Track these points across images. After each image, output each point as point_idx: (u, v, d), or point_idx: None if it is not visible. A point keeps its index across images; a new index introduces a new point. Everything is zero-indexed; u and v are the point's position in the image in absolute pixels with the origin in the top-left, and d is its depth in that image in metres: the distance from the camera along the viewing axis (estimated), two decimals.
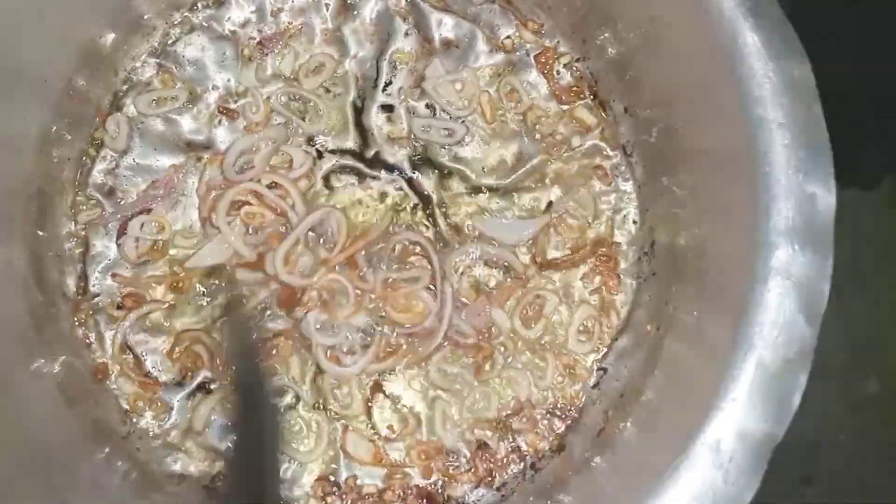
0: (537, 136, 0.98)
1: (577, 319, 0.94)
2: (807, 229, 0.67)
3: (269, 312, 0.94)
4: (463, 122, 0.97)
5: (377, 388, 0.93)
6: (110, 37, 0.94)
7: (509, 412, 0.93)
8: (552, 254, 0.96)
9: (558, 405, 0.93)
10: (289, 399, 0.93)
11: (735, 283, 0.70)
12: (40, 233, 0.92)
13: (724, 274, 0.74)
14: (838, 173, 0.69)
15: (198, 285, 0.95)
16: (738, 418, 0.66)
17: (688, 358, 0.78)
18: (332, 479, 0.92)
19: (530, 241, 0.95)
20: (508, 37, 0.99)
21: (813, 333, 0.66)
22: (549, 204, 0.96)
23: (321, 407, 0.93)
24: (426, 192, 0.96)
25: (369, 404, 0.93)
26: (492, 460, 0.92)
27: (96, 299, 0.95)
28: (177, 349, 0.94)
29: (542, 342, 0.94)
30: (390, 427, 0.93)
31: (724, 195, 0.75)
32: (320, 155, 0.97)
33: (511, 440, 0.92)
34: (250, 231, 0.94)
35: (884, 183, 1.43)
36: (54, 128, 0.92)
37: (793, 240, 0.67)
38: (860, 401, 1.56)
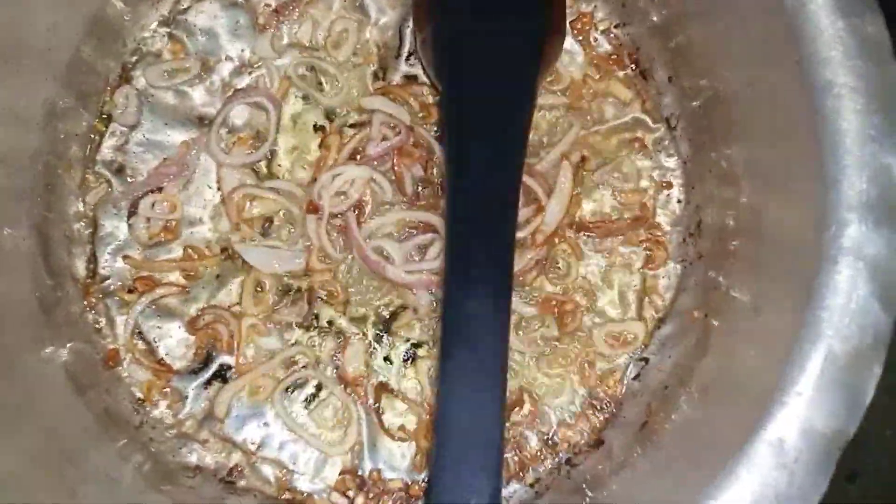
0: (573, 108, 0.91)
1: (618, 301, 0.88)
2: (882, 204, 0.60)
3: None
4: None
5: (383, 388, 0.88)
6: (119, 5, 0.89)
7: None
8: (587, 215, 0.90)
9: (595, 397, 0.87)
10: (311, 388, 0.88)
11: (799, 264, 0.63)
12: (48, 213, 0.88)
13: (785, 255, 0.67)
14: None
15: (211, 268, 0.90)
16: (804, 414, 0.60)
17: (742, 347, 0.71)
18: (358, 472, 0.87)
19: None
20: None
21: (889, 320, 0.60)
22: (583, 159, 0.89)
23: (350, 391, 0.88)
24: None
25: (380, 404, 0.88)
26: (525, 453, 0.86)
27: (107, 282, 0.90)
28: (200, 321, 0.89)
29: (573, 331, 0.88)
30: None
31: (784, 169, 0.68)
32: None
33: (544, 433, 0.87)
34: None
35: None
36: (61, 101, 0.87)
37: (866, 215, 0.60)
38: None
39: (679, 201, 0.89)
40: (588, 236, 0.89)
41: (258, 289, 0.90)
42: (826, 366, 0.60)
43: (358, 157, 0.90)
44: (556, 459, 0.86)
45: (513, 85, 0.72)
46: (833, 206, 0.61)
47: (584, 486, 0.80)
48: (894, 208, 0.61)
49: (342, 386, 0.88)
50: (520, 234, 0.87)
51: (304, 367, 0.89)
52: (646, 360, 0.87)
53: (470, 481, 0.60)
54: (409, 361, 0.88)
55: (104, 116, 0.92)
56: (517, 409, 0.86)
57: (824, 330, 0.60)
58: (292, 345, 0.89)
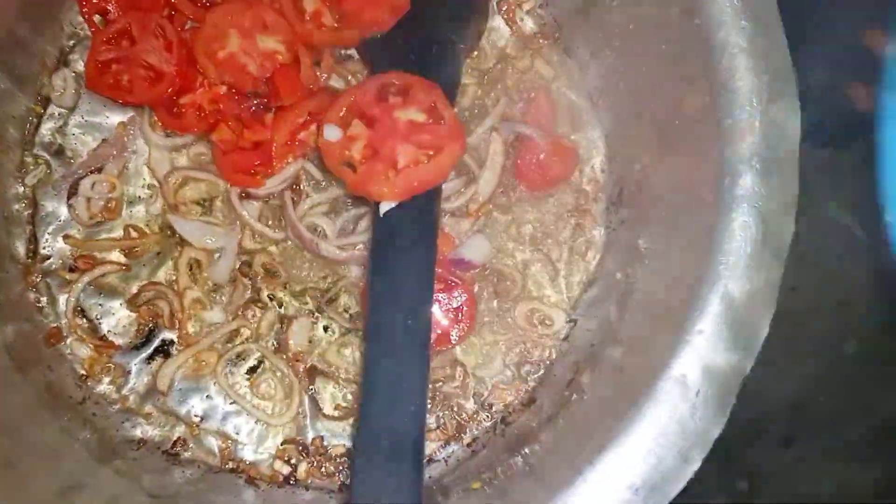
0: (499, 86, 0.95)
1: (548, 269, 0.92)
2: (771, 156, 0.65)
3: None
4: None
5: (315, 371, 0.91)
6: None
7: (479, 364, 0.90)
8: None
9: (527, 359, 0.90)
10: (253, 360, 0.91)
11: (701, 215, 0.68)
12: None
13: (691, 207, 0.72)
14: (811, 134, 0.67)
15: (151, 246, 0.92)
16: (705, 351, 0.64)
17: (657, 295, 0.76)
18: (298, 439, 0.90)
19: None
20: None
21: (778, 264, 0.64)
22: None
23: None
24: None
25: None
26: (460, 418, 0.89)
27: (47, 262, 0.91)
28: (141, 297, 0.90)
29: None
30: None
31: (691, 128, 0.73)
32: None
33: (479, 396, 0.90)
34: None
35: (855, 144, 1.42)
36: None
37: (757, 167, 0.65)
38: (839, 362, 1.55)
39: (602, 171, 0.94)
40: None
41: (194, 266, 0.91)
42: (724, 306, 0.64)
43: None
44: (492, 420, 0.90)
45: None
46: (728, 158, 0.66)
47: (517, 440, 0.84)
48: (782, 160, 0.65)
49: (284, 359, 0.90)
50: (453, 205, 0.91)
51: (245, 339, 0.91)
52: (574, 321, 0.91)
53: (392, 466, 0.64)
54: (347, 334, 0.91)
55: (42, 99, 0.93)
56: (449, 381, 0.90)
57: (722, 272, 0.65)
58: (233, 319, 0.91)
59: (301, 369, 0.90)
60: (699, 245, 0.68)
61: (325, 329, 0.91)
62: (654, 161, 0.82)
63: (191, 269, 0.91)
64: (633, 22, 0.84)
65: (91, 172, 0.92)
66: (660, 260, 0.77)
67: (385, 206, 0.72)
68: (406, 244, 0.72)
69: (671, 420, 0.63)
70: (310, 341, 0.91)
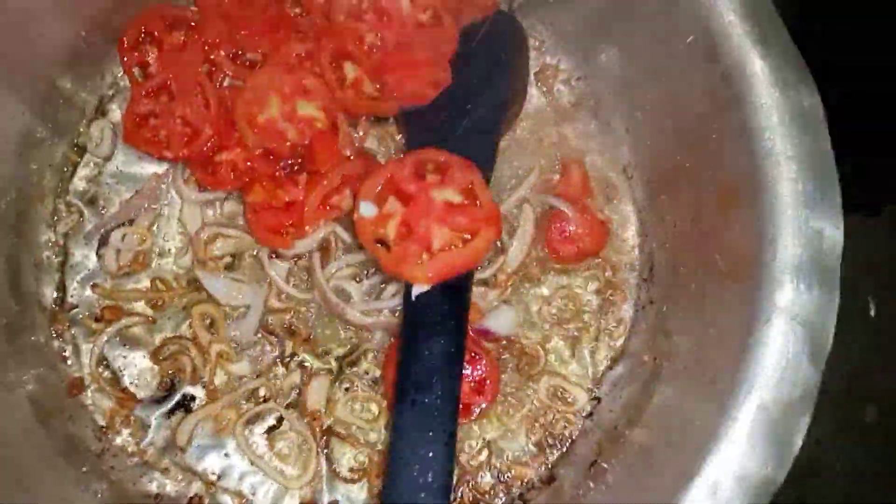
0: (532, 155, 0.95)
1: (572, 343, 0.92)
2: (813, 266, 0.65)
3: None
4: None
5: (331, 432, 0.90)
6: (98, 38, 0.91)
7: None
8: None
9: (549, 433, 0.90)
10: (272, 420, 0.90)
11: (737, 319, 0.67)
12: (18, 240, 0.89)
13: (726, 309, 0.71)
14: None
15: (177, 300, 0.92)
16: (737, 461, 0.63)
17: (686, 394, 0.75)
18: (315, 502, 0.89)
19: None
20: None
21: (817, 375, 0.64)
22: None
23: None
24: None
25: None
26: (477, 491, 0.89)
27: (74, 311, 0.92)
28: (164, 350, 0.90)
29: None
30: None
31: (728, 225, 0.73)
32: None
33: (497, 469, 0.89)
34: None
35: (885, 211, 1.41)
36: (36, 132, 0.89)
37: (798, 277, 0.64)
38: (858, 428, 1.53)
39: (633, 246, 0.93)
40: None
41: (208, 320, 0.91)
42: (758, 417, 0.63)
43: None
44: (509, 496, 0.89)
45: None
46: (769, 266, 0.65)
47: None
48: (825, 270, 0.65)
49: (303, 419, 0.90)
50: (482, 275, 0.91)
51: (265, 399, 0.90)
52: (598, 399, 0.90)
53: None
54: (367, 399, 0.90)
55: (78, 148, 0.94)
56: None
57: (757, 382, 0.64)
58: (256, 377, 0.90)
59: (318, 429, 0.89)
60: (732, 345, 0.68)
61: (346, 390, 0.91)
62: (688, 246, 0.82)
63: (210, 325, 0.91)
64: (670, 103, 0.83)
65: (122, 224, 0.92)
66: (690, 352, 0.77)
67: (417, 290, 0.72)
68: (437, 328, 0.72)
69: None
70: (328, 401, 0.91)
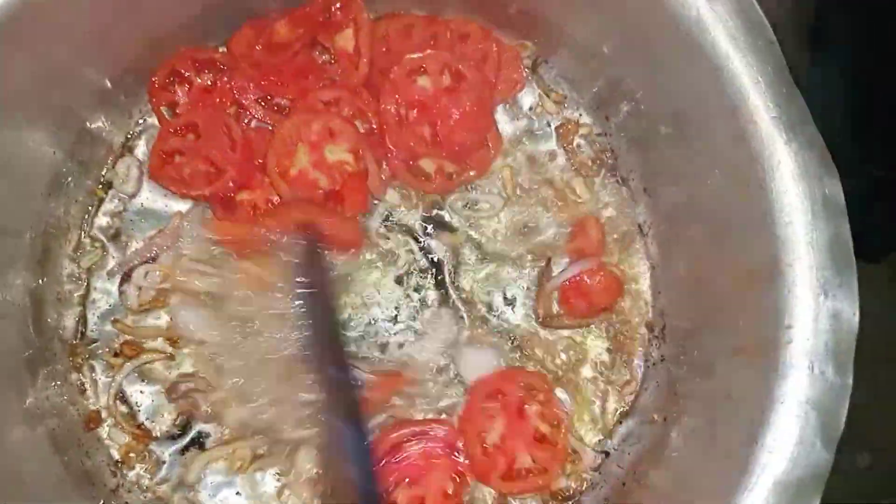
0: (553, 209, 0.97)
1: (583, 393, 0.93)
2: (828, 352, 0.66)
3: None
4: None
5: None
6: (130, 79, 0.92)
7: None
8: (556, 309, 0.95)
9: (557, 487, 0.91)
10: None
11: (750, 395, 0.69)
12: (42, 274, 0.90)
13: (738, 383, 0.73)
14: None
15: None
16: None
17: (696, 460, 0.76)
18: None
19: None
20: (531, 107, 0.98)
21: (829, 457, 0.65)
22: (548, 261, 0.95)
23: None
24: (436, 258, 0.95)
25: None
26: None
27: (94, 345, 0.93)
28: (179, 387, 0.91)
29: None
30: None
31: (744, 305, 0.74)
32: None
33: None
34: None
35: (887, 259, 1.43)
36: (66, 169, 0.90)
37: (814, 361, 0.66)
38: (852, 474, 1.55)
39: (646, 302, 0.95)
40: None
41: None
42: (769, 499, 0.65)
43: None
44: None
45: None
46: (784, 351, 0.67)
47: None
48: (840, 354, 0.67)
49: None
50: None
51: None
52: (607, 453, 0.92)
53: None
54: None
55: (104, 184, 0.95)
56: None
57: (770, 464, 0.65)
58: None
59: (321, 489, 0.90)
60: (745, 421, 0.69)
61: None
62: (700, 315, 0.83)
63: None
64: (690, 173, 0.85)
65: (146, 261, 0.94)
66: (701, 417, 0.78)
67: None
68: None
69: None
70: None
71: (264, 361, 0.84)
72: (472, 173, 0.94)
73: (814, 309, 0.67)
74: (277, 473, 0.91)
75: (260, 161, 0.89)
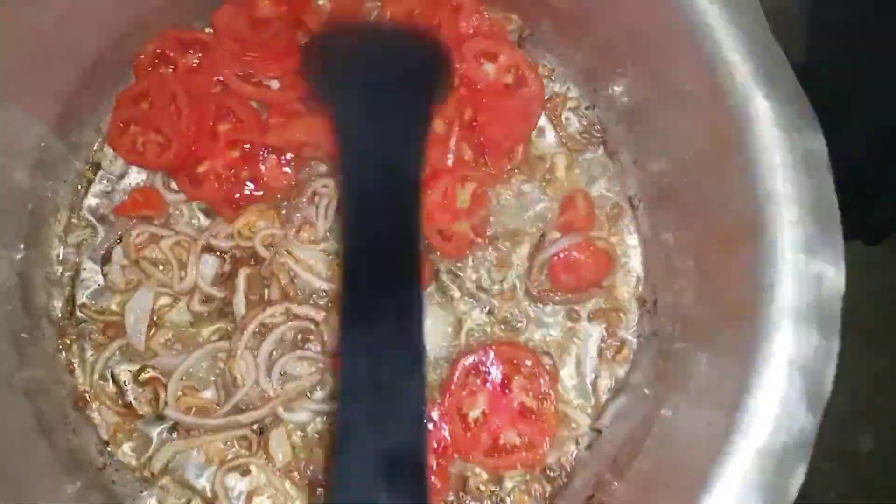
0: (542, 182, 0.95)
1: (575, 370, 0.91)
2: (813, 311, 0.64)
3: None
4: None
5: None
6: (116, 60, 0.93)
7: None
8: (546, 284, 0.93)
9: (547, 464, 0.89)
10: None
11: (737, 361, 0.67)
12: (31, 254, 0.91)
13: (726, 350, 0.71)
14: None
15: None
16: None
17: (684, 433, 0.74)
18: None
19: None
20: None
21: (814, 422, 0.63)
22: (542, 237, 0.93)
23: None
24: None
25: None
26: None
27: (83, 325, 0.93)
28: (143, 373, 0.91)
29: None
30: None
31: (728, 266, 0.72)
32: None
33: (497, 496, 0.89)
34: None
35: (887, 239, 1.40)
36: (53, 147, 0.90)
37: (798, 322, 0.64)
38: (853, 457, 1.50)
39: (637, 278, 0.93)
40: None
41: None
42: (753, 463, 0.63)
43: None
44: None
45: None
46: (767, 310, 0.64)
47: None
48: (825, 315, 0.64)
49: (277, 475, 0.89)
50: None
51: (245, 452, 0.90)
52: (598, 430, 0.90)
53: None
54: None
55: (93, 165, 0.96)
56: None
57: (754, 428, 0.63)
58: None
59: (297, 477, 0.89)
60: (731, 388, 0.67)
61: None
62: (689, 284, 0.81)
63: None
64: (675, 136, 0.83)
65: (119, 241, 0.93)
66: (691, 391, 0.76)
67: None
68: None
69: None
70: (293, 447, 0.89)
71: None
72: (483, 170, 0.94)
73: (796, 266, 0.64)
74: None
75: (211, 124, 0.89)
